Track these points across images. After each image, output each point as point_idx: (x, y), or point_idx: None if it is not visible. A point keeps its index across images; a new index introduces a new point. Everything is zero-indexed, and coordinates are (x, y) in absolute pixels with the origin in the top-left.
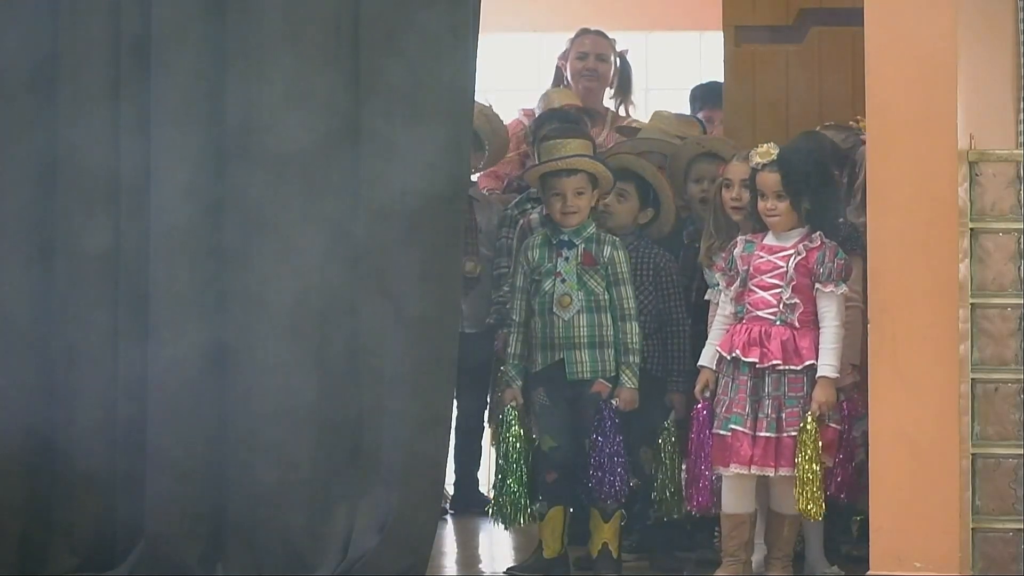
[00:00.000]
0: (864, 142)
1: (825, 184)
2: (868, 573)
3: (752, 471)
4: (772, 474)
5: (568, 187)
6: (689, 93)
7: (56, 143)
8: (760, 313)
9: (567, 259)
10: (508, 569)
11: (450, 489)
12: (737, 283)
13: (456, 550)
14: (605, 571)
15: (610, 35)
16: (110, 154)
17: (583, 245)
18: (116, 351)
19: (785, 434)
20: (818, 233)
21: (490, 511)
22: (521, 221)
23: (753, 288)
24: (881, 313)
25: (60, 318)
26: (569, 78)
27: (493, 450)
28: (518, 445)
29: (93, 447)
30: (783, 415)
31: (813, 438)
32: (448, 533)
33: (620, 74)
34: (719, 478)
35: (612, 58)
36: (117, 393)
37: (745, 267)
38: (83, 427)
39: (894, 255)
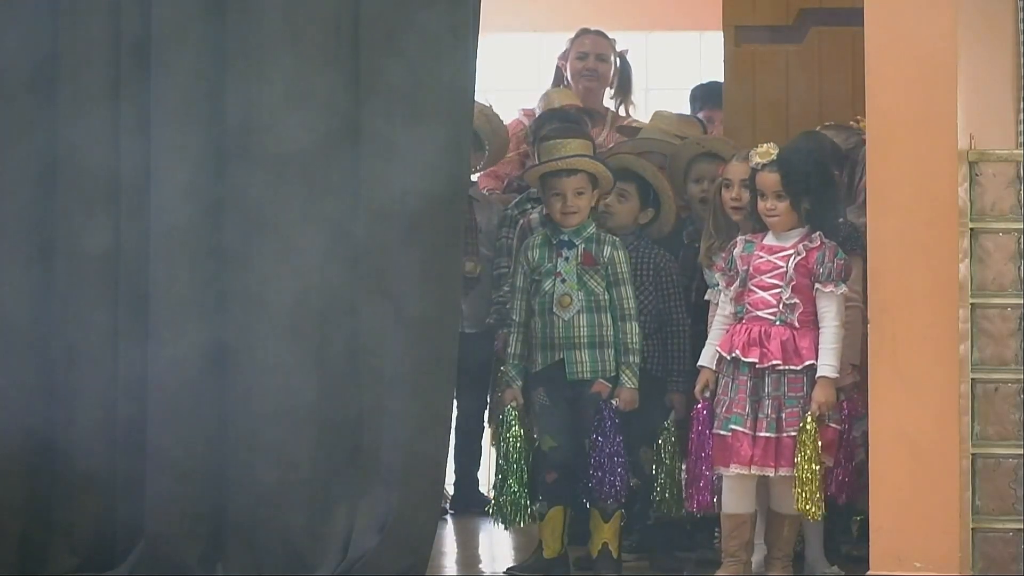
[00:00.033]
0: (865, 142)
1: (825, 184)
2: (868, 573)
3: (752, 471)
4: (772, 474)
5: (568, 187)
6: (689, 93)
7: (56, 143)
8: (760, 313)
9: (567, 259)
10: (508, 569)
11: (450, 489)
12: (737, 283)
13: (456, 550)
14: (605, 571)
15: (610, 35)
16: (110, 154)
17: (583, 245)
18: (116, 351)
19: (785, 434)
20: (818, 233)
21: (490, 511)
22: (521, 221)
23: (753, 288)
24: (881, 313)
25: (60, 318)
26: (569, 78)
27: (493, 450)
28: (518, 445)
29: (93, 447)
30: (783, 415)
31: (813, 438)
32: (448, 533)
33: (620, 74)
34: (719, 478)
35: (612, 58)
36: (117, 393)
37: (745, 267)
38: (83, 427)
39: (894, 255)
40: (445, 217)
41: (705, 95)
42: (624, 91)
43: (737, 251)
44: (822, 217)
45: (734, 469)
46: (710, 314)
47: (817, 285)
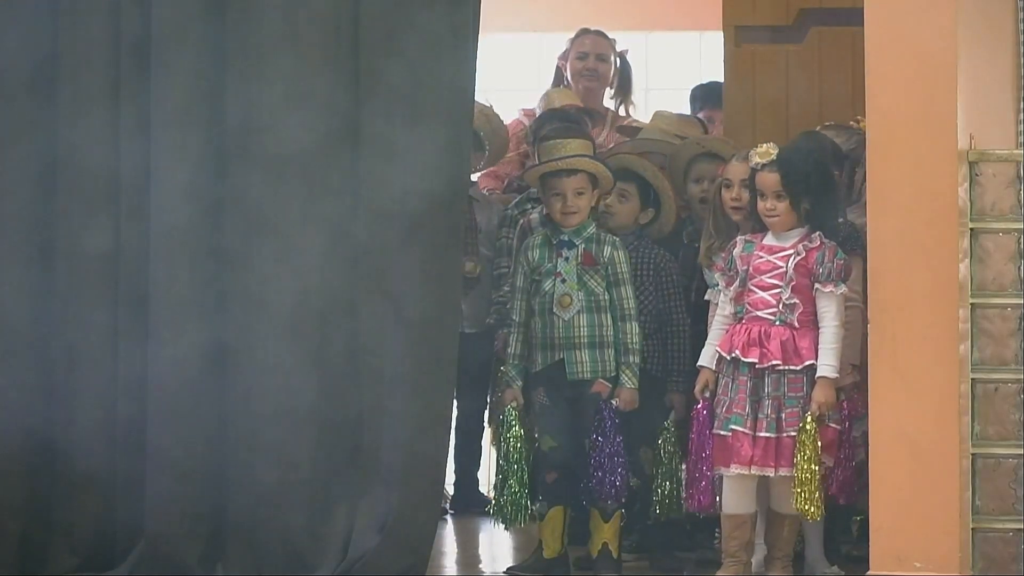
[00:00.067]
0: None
1: (825, 184)
2: (868, 573)
3: (752, 471)
4: (772, 474)
5: (568, 187)
6: (689, 93)
7: (56, 143)
8: (759, 313)
9: (567, 259)
10: (508, 569)
11: (450, 489)
12: (736, 283)
13: (456, 550)
14: (605, 571)
15: (610, 35)
16: (110, 155)
17: (583, 245)
18: (116, 351)
19: (785, 434)
20: (817, 233)
21: (491, 511)
22: (521, 221)
23: (752, 288)
24: (881, 313)
25: (60, 318)
26: (569, 78)
27: (493, 450)
28: (519, 445)
29: (93, 447)
30: (783, 415)
31: (812, 438)
32: (448, 533)
33: (620, 74)
34: (719, 478)
35: (612, 58)
36: (117, 393)
37: (744, 267)
38: (83, 427)
39: (894, 255)
40: (445, 217)
41: (705, 95)
42: (624, 91)
43: (737, 251)
44: (822, 217)
45: (734, 469)
46: (710, 314)
47: (817, 285)
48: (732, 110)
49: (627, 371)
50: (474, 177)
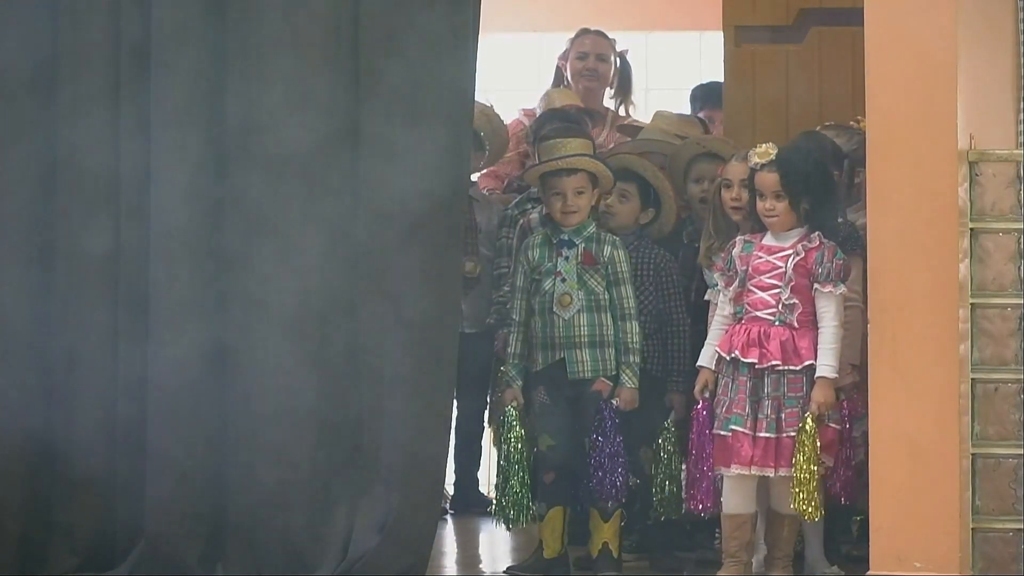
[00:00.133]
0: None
1: (824, 184)
2: (868, 573)
3: (753, 471)
4: (772, 475)
5: (568, 186)
6: (689, 93)
7: (56, 144)
8: (759, 313)
9: (567, 258)
10: (508, 569)
11: (450, 489)
12: (736, 283)
13: (456, 550)
14: (606, 571)
15: (610, 35)
16: (110, 155)
17: (583, 244)
18: (116, 352)
19: (785, 434)
20: (817, 233)
21: (493, 512)
22: (521, 221)
23: (752, 288)
24: (881, 313)
25: (60, 319)
26: (569, 78)
27: (494, 450)
28: (519, 446)
29: (93, 447)
30: (783, 415)
31: (812, 438)
32: (448, 533)
33: (620, 74)
34: (720, 478)
35: (612, 58)
36: (117, 394)
37: (744, 267)
38: (83, 428)
39: (894, 255)
40: (445, 217)
41: (705, 95)
42: (624, 91)
43: (736, 251)
44: (821, 217)
45: (735, 469)
46: (710, 314)
47: (816, 285)
48: (732, 110)
49: (627, 370)
50: (474, 177)
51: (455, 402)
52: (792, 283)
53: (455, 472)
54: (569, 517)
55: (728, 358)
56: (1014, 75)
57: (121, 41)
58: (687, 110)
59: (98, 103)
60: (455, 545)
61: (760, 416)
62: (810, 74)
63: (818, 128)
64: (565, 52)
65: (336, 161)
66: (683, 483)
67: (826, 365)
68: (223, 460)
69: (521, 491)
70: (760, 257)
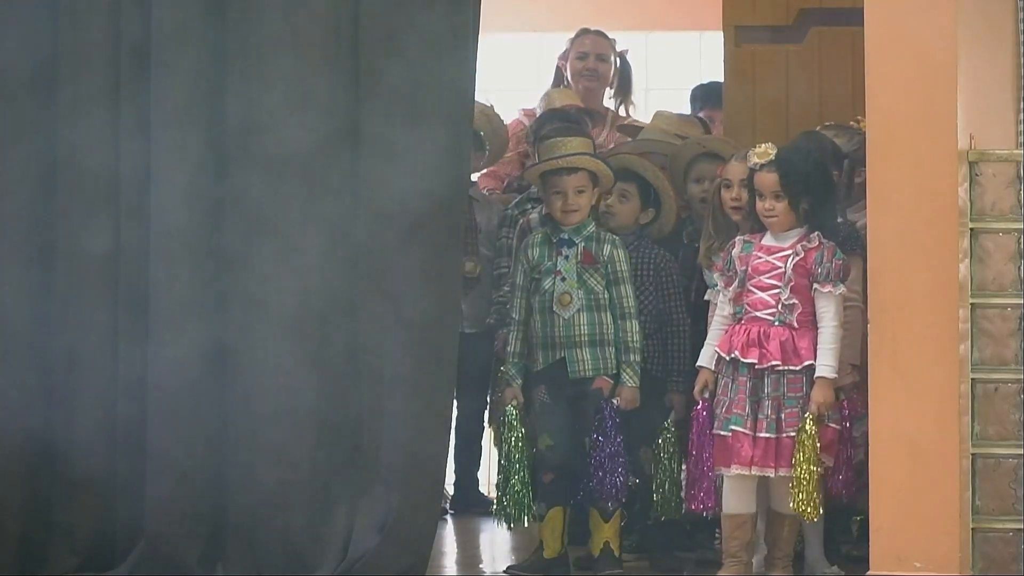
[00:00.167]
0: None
1: (824, 184)
2: (868, 573)
3: (753, 472)
4: (772, 475)
5: (569, 185)
6: (689, 93)
7: (56, 144)
8: (759, 314)
9: (567, 257)
10: (508, 569)
11: (450, 489)
12: (735, 284)
13: (456, 550)
14: (608, 570)
15: (610, 35)
16: (110, 155)
17: (583, 243)
18: (116, 352)
19: (785, 435)
20: (816, 233)
21: (494, 511)
22: (521, 221)
23: (751, 289)
24: (881, 313)
25: (60, 319)
26: (569, 78)
27: (494, 450)
28: (520, 445)
29: (93, 447)
30: (782, 415)
31: (811, 438)
32: (448, 533)
33: (620, 74)
34: (720, 478)
35: (612, 58)
36: (117, 394)
37: (743, 268)
38: (83, 428)
39: (894, 255)
40: (445, 217)
41: (705, 95)
42: (624, 91)
43: (735, 251)
44: (821, 217)
45: (735, 469)
46: (710, 314)
47: (815, 285)
48: (732, 110)
49: (628, 370)
50: (474, 177)
51: (455, 402)
52: (792, 283)
53: (455, 472)
54: (569, 517)
55: (728, 358)
56: (1014, 75)
57: (121, 41)
58: (687, 110)
59: (98, 103)
60: (455, 545)
61: (760, 416)
62: (810, 74)
63: (818, 128)
64: (565, 52)
65: (336, 161)
66: (683, 483)
67: (826, 365)
68: (223, 460)
69: (522, 490)
70: (760, 257)
